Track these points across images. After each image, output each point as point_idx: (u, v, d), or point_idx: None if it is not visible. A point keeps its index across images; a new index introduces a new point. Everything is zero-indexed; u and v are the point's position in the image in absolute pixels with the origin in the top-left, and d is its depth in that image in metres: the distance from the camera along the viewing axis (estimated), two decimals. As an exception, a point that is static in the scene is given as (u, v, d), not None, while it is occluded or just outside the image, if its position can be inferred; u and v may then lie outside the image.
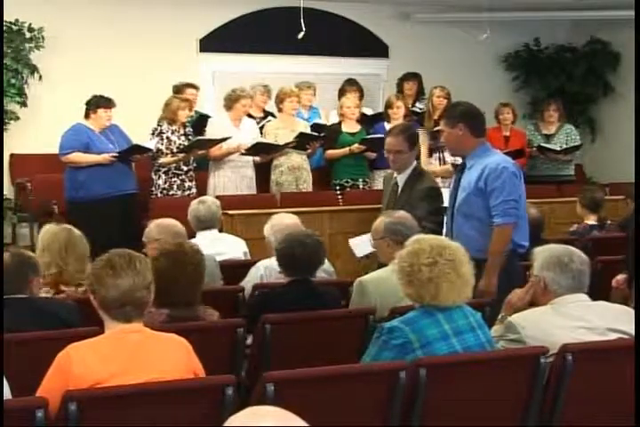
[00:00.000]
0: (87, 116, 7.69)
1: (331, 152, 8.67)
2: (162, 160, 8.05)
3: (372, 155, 8.65)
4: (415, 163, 6.09)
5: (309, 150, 8.52)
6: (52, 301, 4.20)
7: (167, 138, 8.06)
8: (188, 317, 3.95)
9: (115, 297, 3.16)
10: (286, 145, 8.26)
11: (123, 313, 3.18)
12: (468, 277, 3.47)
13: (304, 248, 4.43)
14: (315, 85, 9.52)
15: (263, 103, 9.17)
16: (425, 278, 3.42)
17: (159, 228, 5.07)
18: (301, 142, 8.35)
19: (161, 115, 8.27)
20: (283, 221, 5.28)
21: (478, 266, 4.47)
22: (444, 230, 5.08)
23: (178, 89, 8.65)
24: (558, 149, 9.33)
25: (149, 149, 7.89)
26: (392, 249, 4.69)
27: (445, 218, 5.10)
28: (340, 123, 8.84)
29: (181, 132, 8.18)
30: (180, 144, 8.09)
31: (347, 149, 8.56)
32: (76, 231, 4.74)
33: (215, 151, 8.15)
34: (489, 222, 4.81)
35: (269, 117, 9.01)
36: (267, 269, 5.00)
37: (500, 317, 3.87)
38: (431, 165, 8.55)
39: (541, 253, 3.78)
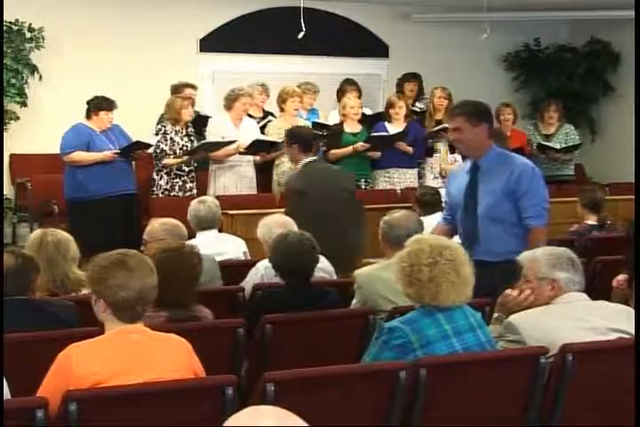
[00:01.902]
0: (88, 117, 7.69)
1: (334, 152, 8.66)
2: (165, 161, 8.05)
3: (377, 154, 8.65)
4: (304, 161, 6.33)
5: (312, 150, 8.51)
6: (51, 301, 4.19)
7: (170, 139, 8.07)
8: (186, 318, 3.95)
9: (131, 297, 3.16)
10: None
11: (132, 313, 3.18)
12: (468, 277, 3.46)
13: (301, 258, 4.40)
14: (318, 89, 9.53)
15: (262, 102, 9.17)
16: (425, 279, 3.42)
17: (164, 228, 5.05)
18: (304, 142, 8.33)
19: (163, 115, 8.27)
20: (269, 221, 5.29)
21: (513, 267, 4.47)
22: (459, 230, 4.96)
23: (176, 89, 8.65)
24: (558, 147, 9.32)
25: (150, 145, 7.89)
26: (386, 248, 4.75)
27: (459, 217, 4.95)
28: (341, 123, 8.84)
29: (184, 132, 8.17)
30: (183, 145, 8.09)
31: (351, 148, 8.55)
32: (63, 235, 4.67)
33: (215, 152, 8.15)
34: (519, 224, 4.75)
35: (269, 117, 9.01)
36: (267, 270, 4.99)
37: (495, 316, 3.87)
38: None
39: (542, 255, 3.77)
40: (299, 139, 6.39)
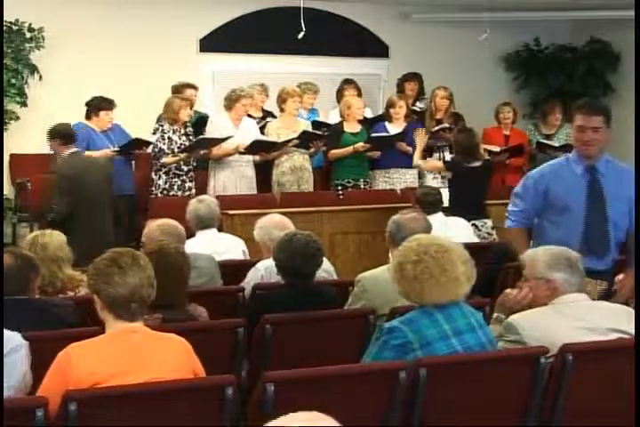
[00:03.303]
0: (88, 117, 7.69)
1: (334, 152, 8.65)
2: (164, 160, 8.05)
3: (376, 153, 8.65)
4: (67, 152, 6.86)
5: (312, 150, 8.51)
6: (51, 301, 4.20)
7: (168, 138, 8.06)
8: (182, 318, 3.94)
9: (123, 295, 3.17)
10: (285, 142, 8.26)
11: (129, 311, 3.19)
12: (456, 275, 3.41)
13: (308, 260, 4.38)
14: (319, 89, 9.53)
15: (262, 102, 9.18)
16: (410, 276, 3.41)
17: (162, 229, 5.05)
18: (304, 141, 8.34)
19: (162, 115, 8.26)
20: (265, 221, 5.29)
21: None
22: (567, 232, 4.69)
23: (177, 89, 8.65)
24: (557, 145, 9.31)
25: (150, 143, 7.89)
26: (391, 248, 4.75)
27: (575, 219, 4.70)
28: (341, 123, 8.84)
29: (182, 131, 8.17)
30: (181, 144, 8.09)
31: (351, 148, 8.55)
32: (55, 236, 4.78)
33: (215, 151, 8.15)
34: (624, 231, 4.69)
35: (269, 117, 9.01)
36: (267, 270, 4.99)
37: (495, 316, 3.87)
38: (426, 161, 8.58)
39: (541, 255, 3.77)
40: (58, 134, 6.87)
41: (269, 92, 9.26)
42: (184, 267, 4.08)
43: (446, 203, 7.14)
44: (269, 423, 1.79)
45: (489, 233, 7.27)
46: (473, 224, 7.12)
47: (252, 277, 5.03)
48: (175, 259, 4.04)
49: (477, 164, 7.47)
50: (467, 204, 7.21)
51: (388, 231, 4.84)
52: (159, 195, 8.06)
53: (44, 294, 4.46)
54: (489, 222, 7.32)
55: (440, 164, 8.13)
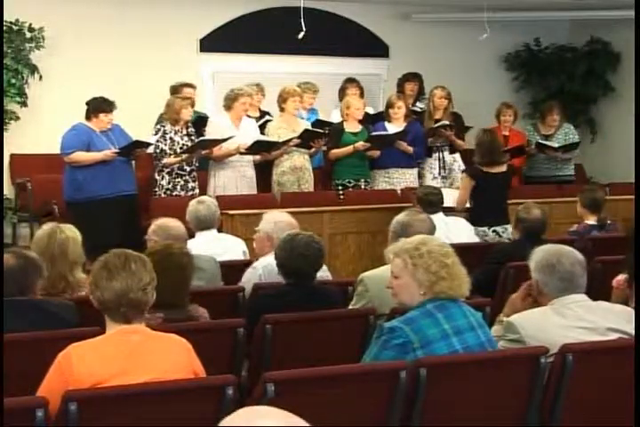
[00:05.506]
0: (88, 118, 7.68)
1: (335, 151, 8.64)
2: (165, 161, 8.05)
3: (376, 153, 8.64)
4: None
5: (313, 150, 8.51)
6: (51, 301, 4.19)
7: (170, 138, 8.06)
8: (183, 318, 3.94)
9: (109, 299, 3.17)
10: (286, 142, 8.25)
11: (119, 314, 3.18)
12: (463, 273, 3.48)
13: (307, 260, 4.38)
14: (318, 88, 9.53)
15: (258, 102, 9.18)
16: (424, 268, 3.50)
17: (162, 229, 5.05)
18: (305, 140, 8.33)
19: (163, 116, 8.26)
20: (280, 218, 5.28)
21: None
22: None
23: (175, 89, 8.65)
24: (556, 146, 9.32)
25: (150, 144, 7.89)
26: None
27: None
28: (342, 122, 8.83)
29: (184, 132, 8.17)
30: (183, 144, 8.08)
31: (351, 148, 8.53)
32: (72, 234, 4.59)
33: (216, 151, 8.14)
34: None
35: (266, 117, 9.01)
36: (265, 270, 4.99)
37: (501, 317, 3.87)
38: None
39: (536, 255, 3.79)
40: None
41: (267, 92, 9.26)
42: (188, 267, 4.07)
43: (450, 203, 7.14)
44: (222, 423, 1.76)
45: (509, 239, 7.23)
46: (494, 231, 7.12)
47: (250, 277, 5.03)
48: (179, 259, 4.04)
49: (501, 169, 7.38)
50: (488, 209, 7.19)
51: (391, 231, 4.83)
52: (162, 195, 8.06)
53: (47, 296, 4.40)
54: (510, 228, 7.27)
55: (465, 182, 7.51)
